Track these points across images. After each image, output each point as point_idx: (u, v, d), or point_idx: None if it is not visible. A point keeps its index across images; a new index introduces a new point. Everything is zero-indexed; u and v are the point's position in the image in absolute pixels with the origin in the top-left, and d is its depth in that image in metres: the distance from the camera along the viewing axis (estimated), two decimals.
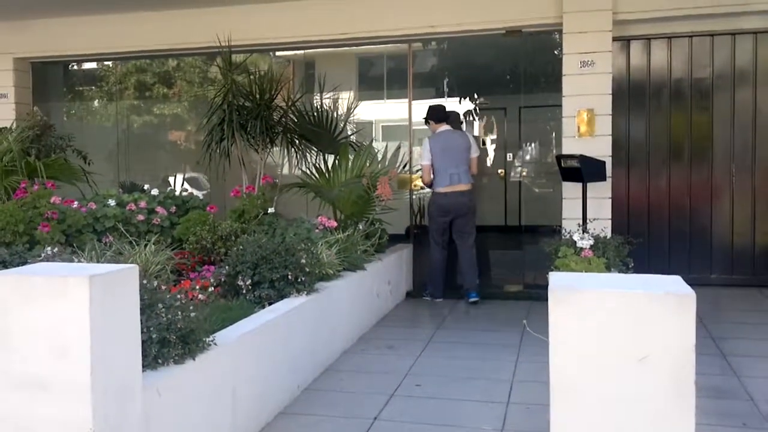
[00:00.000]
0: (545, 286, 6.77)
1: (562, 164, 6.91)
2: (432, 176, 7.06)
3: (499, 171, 13.64)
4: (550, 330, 2.22)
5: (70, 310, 2.46)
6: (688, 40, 7.57)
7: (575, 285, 2.22)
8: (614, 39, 7.21)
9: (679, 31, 7.49)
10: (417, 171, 7.40)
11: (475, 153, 7.17)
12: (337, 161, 7.39)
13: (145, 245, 4.97)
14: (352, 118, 8.16)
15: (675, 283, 2.29)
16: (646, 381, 2.13)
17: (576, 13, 7.15)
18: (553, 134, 9.25)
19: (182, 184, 9.37)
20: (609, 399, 2.17)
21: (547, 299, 6.99)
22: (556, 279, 2.32)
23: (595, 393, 2.18)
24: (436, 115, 7.23)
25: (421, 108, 8.16)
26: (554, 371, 2.21)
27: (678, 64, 7.62)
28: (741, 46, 7.49)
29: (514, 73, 8.16)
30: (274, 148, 7.77)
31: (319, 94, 7.90)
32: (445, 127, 7.19)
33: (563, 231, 6.39)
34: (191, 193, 7.27)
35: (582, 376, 2.18)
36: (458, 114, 8.34)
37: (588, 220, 6.63)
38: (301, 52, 9.42)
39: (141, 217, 6.18)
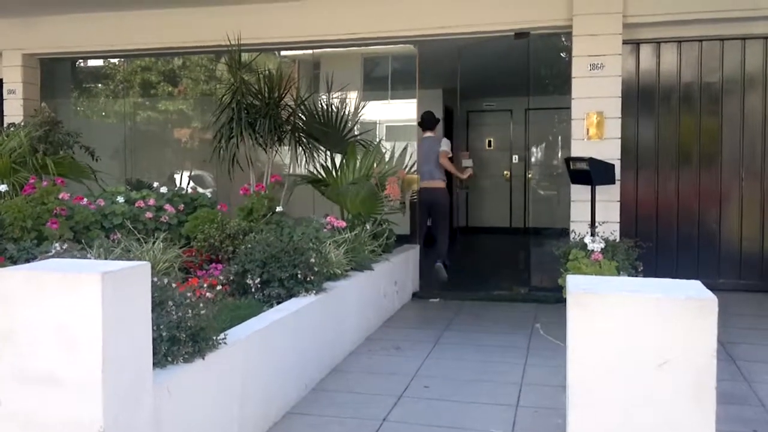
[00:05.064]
0: (552, 289, 6.73)
1: (571, 167, 6.89)
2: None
3: (505, 173, 13.63)
4: (568, 333, 2.19)
5: (82, 306, 2.44)
6: (698, 44, 7.53)
7: (595, 288, 2.19)
8: (624, 42, 7.19)
9: (689, 35, 7.46)
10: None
11: (441, 148, 8.17)
12: (344, 160, 7.38)
13: (154, 242, 4.95)
14: (357, 118, 8.17)
15: (695, 287, 2.27)
16: (665, 386, 2.11)
17: (586, 16, 7.13)
18: (560, 137, 9.22)
19: (188, 183, 9.35)
20: (627, 404, 2.14)
21: (553, 302, 6.96)
22: (574, 282, 2.30)
23: (614, 397, 2.15)
24: (424, 123, 8.40)
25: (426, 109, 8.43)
26: (572, 375, 2.19)
27: (687, 68, 7.58)
28: (751, 51, 7.46)
29: (522, 74, 8.13)
30: (282, 147, 7.76)
31: (325, 94, 7.89)
32: (428, 134, 8.38)
33: (572, 234, 6.37)
34: (196, 190, 7.25)
35: (600, 380, 2.16)
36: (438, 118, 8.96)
37: (596, 223, 6.61)
38: (308, 52, 9.41)
39: (149, 215, 6.17)
